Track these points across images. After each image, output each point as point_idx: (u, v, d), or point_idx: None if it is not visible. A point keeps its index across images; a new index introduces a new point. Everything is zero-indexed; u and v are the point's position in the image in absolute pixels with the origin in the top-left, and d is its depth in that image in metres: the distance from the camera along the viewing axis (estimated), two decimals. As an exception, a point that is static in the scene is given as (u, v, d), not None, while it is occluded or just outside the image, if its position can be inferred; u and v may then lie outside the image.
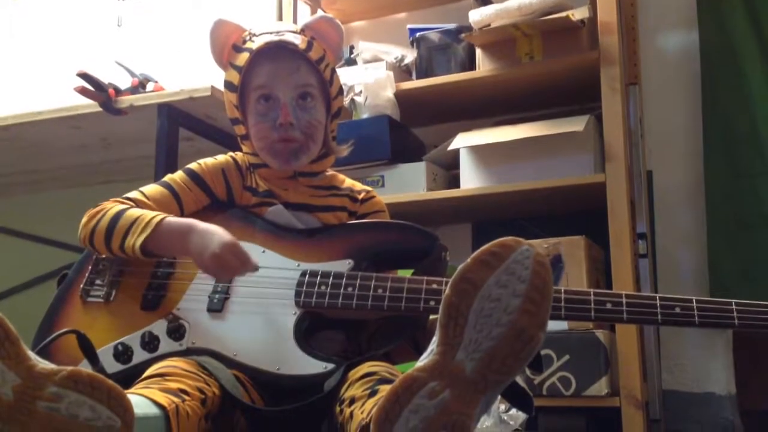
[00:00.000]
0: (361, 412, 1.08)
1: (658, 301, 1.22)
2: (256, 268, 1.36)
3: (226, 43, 1.52)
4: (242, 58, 1.50)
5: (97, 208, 1.47)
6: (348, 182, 1.62)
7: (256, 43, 1.48)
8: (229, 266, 1.34)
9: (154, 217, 1.40)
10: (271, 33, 1.50)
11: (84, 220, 1.47)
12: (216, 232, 1.36)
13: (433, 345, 0.98)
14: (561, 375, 2.07)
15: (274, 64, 1.49)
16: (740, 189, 2.35)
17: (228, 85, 1.54)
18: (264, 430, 1.26)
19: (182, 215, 1.51)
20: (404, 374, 0.96)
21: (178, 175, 1.55)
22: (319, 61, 1.51)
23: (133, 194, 1.51)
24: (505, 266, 0.97)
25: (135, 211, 1.43)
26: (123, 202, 1.48)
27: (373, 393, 1.11)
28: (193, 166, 1.56)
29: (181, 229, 1.39)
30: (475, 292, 0.96)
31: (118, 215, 1.43)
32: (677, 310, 1.21)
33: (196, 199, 1.54)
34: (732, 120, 2.39)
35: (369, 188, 1.63)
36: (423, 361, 0.97)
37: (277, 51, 1.48)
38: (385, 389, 1.08)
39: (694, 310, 1.21)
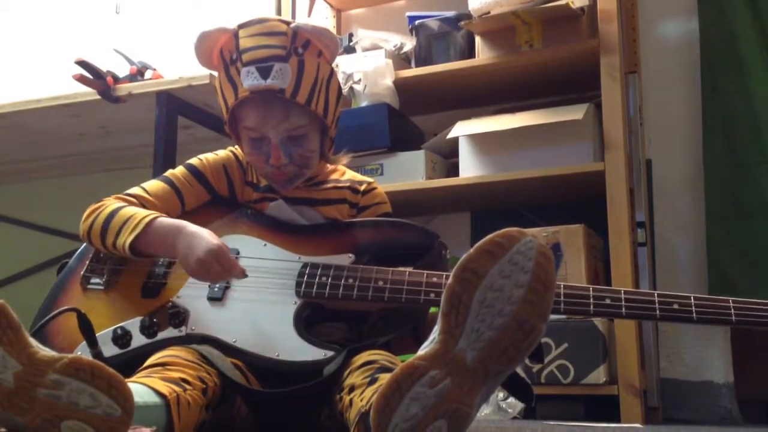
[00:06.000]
0: (361, 400, 1.08)
1: (656, 297, 1.23)
2: (243, 275, 1.37)
3: (213, 49, 1.48)
4: (228, 93, 1.46)
5: (97, 205, 1.48)
6: (349, 174, 1.62)
7: (242, 78, 1.42)
8: (212, 271, 1.34)
9: (145, 216, 1.40)
10: (257, 62, 1.41)
11: (84, 215, 1.47)
12: (203, 236, 1.36)
13: (434, 334, 0.99)
14: (559, 363, 2.07)
15: (262, 110, 1.44)
16: (739, 177, 2.35)
17: (219, 95, 1.51)
18: (264, 416, 1.26)
19: (183, 210, 1.52)
20: (405, 362, 0.96)
21: (179, 171, 1.55)
22: (310, 98, 1.44)
23: (135, 190, 1.51)
24: (509, 257, 0.97)
25: (129, 210, 1.44)
26: (123, 199, 1.49)
27: (372, 381, 1.12)
28: (194, 161, 1.56)
29: (170, 230, 1.39)
30: (478, 281, 0.96)
31: (113, 213, 1.43)
32: (675, 306, 1.22)
33: (197, 194, 1.54)
34: (731, 108, 2.39)
35: (370, 179, 1.62)
36: (424, 349, 0.98)
37: (265, 95, 1.42)
38: (384, 377, 1.08)
39: (692, 307, 1.22)
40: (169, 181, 1.53)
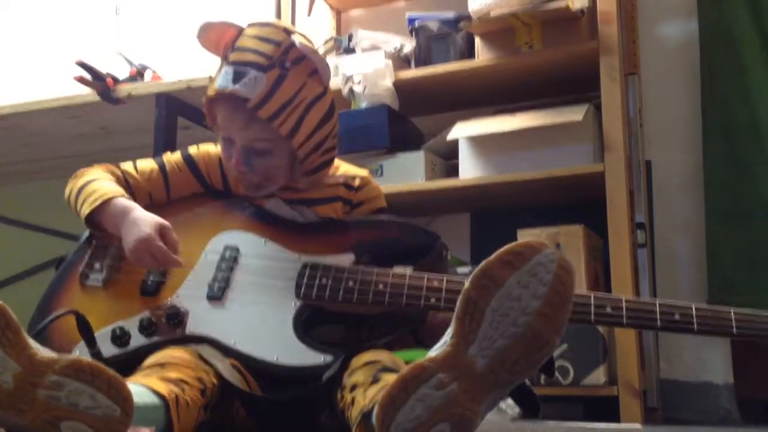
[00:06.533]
0: (363, 399, 1.08)
1: (657, 307, 1.23)
2: (177, 265, 1.38)
3: (219, 41, 1.48)
4: (209, 86, 1.48)
5: (82, 171, 1.53)
6: (343, 168, 1.61)
7: (219, 75, 1.43)
8: (144, 261, 1.37)
9: (106, 193, 1.43)
10: (237, 64, 1.41)
11: (70, 179, 1.53)
12: (139, 224, 1.38)
13: (446, 336, 0.99)
14: (559, 364, 2.07)
15: (228, 113, 1.45)
16: (739, 178, 2.34)
17: None
18: (262, 419, 1.26)
19: (168, 195, 1.54)
20: (414, 362, 0.96)
21: (175, 156, 1.57)
22: (276, 115, 1.40)
23: (126, 164, 1.55)
24: (529, 267, 0.96)
25: (99, 184, 1.47)
26: (110, 170, 1.53)
27: (375, 380, 1.11)
28: (191, 149, 1.58)
29: (119, 212, 1.42)
30: (495, 289, 0.96)
31: (87, 184, 1.47)
32: (676, 316, 1.22)
33: (186, 183, 1.55)
34: (731, 109, 2.38)
35: (364, 173, 1.61)
36: (435, 351, 0.98)
37: (232, 98, 1.42)
38: (387, 377, 1.08)
39: (693, 317, 1.22)
40: (161, 164, 1.56)
